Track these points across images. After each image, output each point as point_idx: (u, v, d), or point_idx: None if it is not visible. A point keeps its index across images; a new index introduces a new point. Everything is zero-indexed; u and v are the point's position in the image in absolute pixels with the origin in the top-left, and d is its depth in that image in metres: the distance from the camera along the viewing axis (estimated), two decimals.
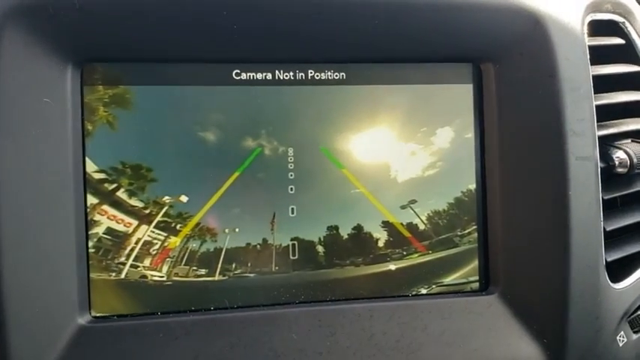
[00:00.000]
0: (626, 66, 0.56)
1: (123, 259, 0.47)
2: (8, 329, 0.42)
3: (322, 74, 0.49)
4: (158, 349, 0.45)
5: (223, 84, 0.48)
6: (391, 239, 0.50)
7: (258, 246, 0.48)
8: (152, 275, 0.47)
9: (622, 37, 0.56)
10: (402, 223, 0.50)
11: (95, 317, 0.46)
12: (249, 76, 0.48)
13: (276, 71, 0.48)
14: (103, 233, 0.46)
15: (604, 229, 0.51)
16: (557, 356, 0.49)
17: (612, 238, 0.53)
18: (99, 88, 0.46)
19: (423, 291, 0.51)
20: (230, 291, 0.48)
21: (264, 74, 0.48)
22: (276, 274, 0.49)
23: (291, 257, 0.49)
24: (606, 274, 0.51)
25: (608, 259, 0.51)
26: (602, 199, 0.51)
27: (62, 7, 0.44)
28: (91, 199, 0.46)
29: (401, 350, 0.47)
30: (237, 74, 0.48)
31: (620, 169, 0.52)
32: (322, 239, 0.49)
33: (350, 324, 0.48)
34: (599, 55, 0.53)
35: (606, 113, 0.53)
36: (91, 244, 0.46)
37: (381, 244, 0.50)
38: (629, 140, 0.54)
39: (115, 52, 0.46)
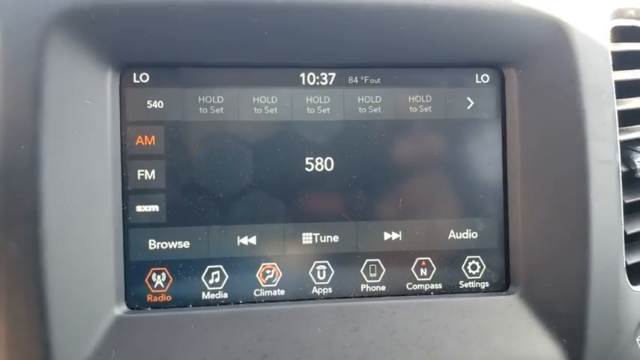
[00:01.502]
0: None
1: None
2: (51, 320, 0.45)
3: (363, 78, 0.51)
4: (190, 340, 0.47)
5: (254, 86, 0.50)
6: (412, 236, 0.52)
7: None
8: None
9: None
10: (423, 221, 0.52)
11: (131, 308, 0.48)
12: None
13: (323, 74, 0.51)
14: (139, 228, 0.49)
15: (625, 232, 0.52)
16: (577, 356, 0.50)
17: (633, 241, 0.54)
18: (137, 90, 0.49)
19: (445, 290, 0.52)
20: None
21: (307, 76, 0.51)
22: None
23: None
24: (626, 276, 0.52)
25: (629, 262, 0.52)
26: (624, 202, 0.52)
27: (103, 15, 0.46)
28: (129, 196, 0.48)
29: (422, 347, 0.49)
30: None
31: None
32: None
33: (373, 320, 0.50)
34: (621, 60, 0.54)
35: (628, 118, 0.54)
36: (128, 238, 0.48)
37: (402, 240, 0.51)
38: None
39: (152, 57, 0.48)
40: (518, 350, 0.50)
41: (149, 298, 0.49)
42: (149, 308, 0.49)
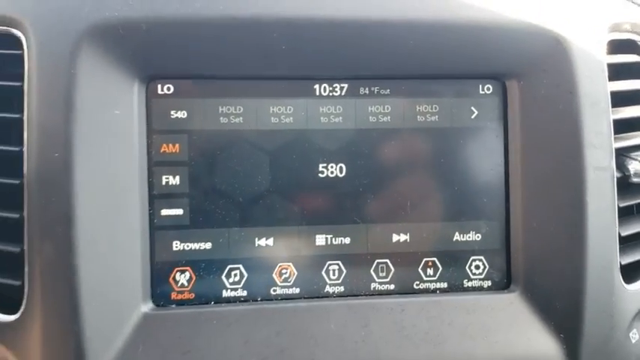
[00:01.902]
0: None
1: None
2: (83, 316, 0.48)
3: (373, 89, 0.54)
4: (212, 335, 0.50)
5: (271, 96, 0.53)
6: (420, 238, 0.55)
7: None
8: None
9: (639, 55, 0.60)
10: (430, 223, 0.55)
11: (157, 305, 0.51)
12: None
13: (336, 85, 0.54)
14: (164, 230, 0.52)
15: (619, 234, 0.55)
16: (573, 350, 0.53)
17: (627, 243, 0.57)
18: (162, 101, 0.52)
19: (450, 288, 0.55)
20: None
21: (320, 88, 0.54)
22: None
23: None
24: (621, 275, 0.55)
25: (623, 262, 0.55)
26: (618, 206, 0.55)
27: (131, 29, 0.49)
28: (155, 200, 0.52)
29: (429, 342, 0.52)
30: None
31: (635, 179, 0.56)
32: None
33: (383, 317, 0.53)
34: (617, 71, 0.57)
35: (623, 126, 0.57)
36: (153, 240, 0.52)
37: (410, 242, 0.55)
38: None
39: (175, 69, 0.51)
40: (519, 345, 0.53)
41: (173, 296, 0.52)
42: (174, 305, 0.52)
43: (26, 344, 0.48)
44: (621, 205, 0.56)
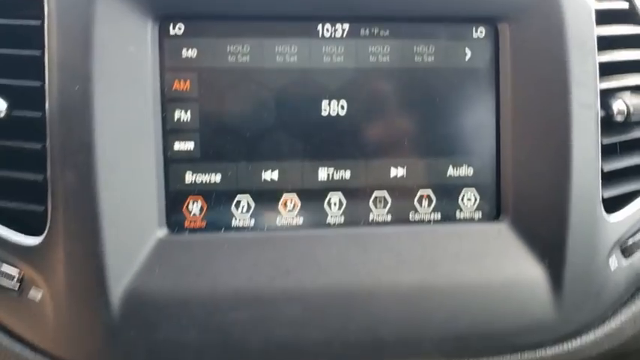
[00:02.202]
0: (629, 27, 0.63)
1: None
2: (104, 239, 0.51)
3: (373, 30, 0.57)
4: (224, 258, 0.54)
5: (276, 36, 0.56)
6: (416, 172, 0.59)
7: None
8: None
9: (626, 1, 0.63)
10: (426, 158, 0.59)
11: (171, 231, 0.55)
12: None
13: (338, 26, 0.57)
14: (177, 162, 0.55)
15: (602, 169, 0.59)
16: (557, 275, 0.57)
17: (610, 179, 0.61)
18: (174, 40, 0.55)
19: (444, 219, 0.59)
20: None
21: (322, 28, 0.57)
22: None
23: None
24: (602, 207, 0.59)
25: (605, 196, 0.59)
26: (602, 143, 0.59)
27: None
28: (168, 134, 0.55)
29: (423, 266, 0.56)
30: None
31: (618, 118, 0.59)
32: None
33: (380, 244, 0.57)
34: (604, 17, 0.60)
35: (609, 69, 0.61)
36: (167, 171, 0.55)
37: (407, 176, 0.58)
38: (629, 93, 0.61)
39: (186, 10, 0.54)
40: (507, 269, 0.57)
41: (187, 224, 0.56)
42: (187, 232, 0.56)
43: (51, 265, 0.52)
44: (605, 142, 0.59)
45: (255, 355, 0.54)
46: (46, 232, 0.52)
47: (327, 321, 0.54)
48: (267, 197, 0.57)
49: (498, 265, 0.57)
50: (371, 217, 0.59)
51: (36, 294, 0.52)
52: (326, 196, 0.58)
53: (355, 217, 0.58)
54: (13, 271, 0.52)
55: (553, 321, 0.58)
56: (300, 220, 0.58)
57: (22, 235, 0.52)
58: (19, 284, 0.52)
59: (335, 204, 0.58)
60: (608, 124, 0.60)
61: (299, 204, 0.58)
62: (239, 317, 0.53)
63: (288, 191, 0.57)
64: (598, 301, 0.60)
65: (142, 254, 0.53)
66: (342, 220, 0.58)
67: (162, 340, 0.53)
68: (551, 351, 0.59)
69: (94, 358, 0.53)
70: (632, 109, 0.59)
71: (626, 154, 0.62)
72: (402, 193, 0.59)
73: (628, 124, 0.61)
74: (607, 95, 0.60)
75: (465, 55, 0.59)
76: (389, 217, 0.59)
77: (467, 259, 0.57)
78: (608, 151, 0.60)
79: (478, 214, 0.60)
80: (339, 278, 0.55)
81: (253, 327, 0.54)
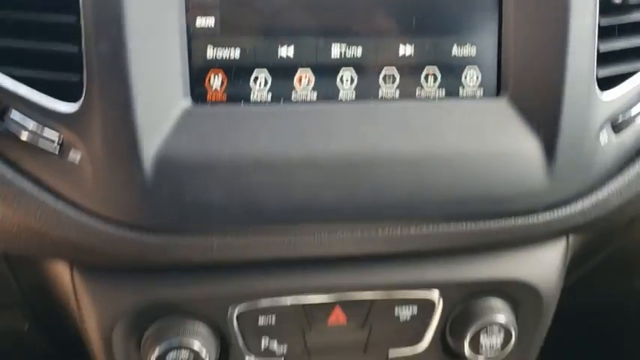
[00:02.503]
0: None
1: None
2: (136, 105, 0.56)
3: None
4: (244, 127, 0.59)
5: None
6: (423, 50, 0.62)
7: None
8: None
9: None
10: (433, 37, 0.62)
11: (195, 103, 0.60)
12: None
13: None
14: (199, 38, 0.59)
15: (598, 49, 0.62)
16: (550, 147, 0.62)
17: (606, 60, 0.64)
18: None
19: (448, 95, 0.64)
20: None
21: None
22: None
23: None
24: (597, 85, 0.63)
25: (600, 75, 0.63)
26: (599, 25, 0.62)
27: None
28: (190, 10, 0.58)
29: (428, 135, 0.61)
30: None
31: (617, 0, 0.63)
32: None
33: (389, 117, 0.61)
34: None
35: None
36: (190, 46, 0.59)
37: (414, 54, 0.62)
38: None
39: None
40: (505, 141, 0.62)
41: (209, 97, 0.60)
42: (209, 105, 0.60)
43: (88, 129, 0.56)
44: (603, 23, 0.63)
45: (274, 215, 0.60)
46: (82, 99, 0.57)
47: (339, 185, 0.60)
48: (283, 72, 0.61)
49: (497, 137, 0.62)
50: (380, 93, 0.63)
51: (75, 156, 0.57)
52: (338, 72, 0.62)
53: (366, 93, 0.63)
54: (54, 135, 0.57)
55: (545, 189, 0.63)
56: (314, 95, 0.62)
57: (62, 102, 0.57)
58: (59, 147, 0.57)
59: (347, 80, 0.62)
60: (607, 5, 0.63)
61: (313, 79, 0.62)
62: (259, 180, 0.59)
63: (302, 66, 0.61)
64: (587, 173, 0.65)
65: (170, 122, 0.58)
66: (353, 95, 0.63)
67: (191, 199, 0.58)
68: (542, 217, 0.65)
69: (129, 214, 0.59)
70: None
71: (623, 36, 0.65)
72: (410, 70, 0.63)
73: (626, 6, 0.64)
74: None
75: None
76: (397, 93, 0.63)
77: (468, 131, 0.62)
78: (605, 33, 0.64)
79: (480, 92, 0.64)
80: (350, 147, 0.60)
81: (272, 189, 0.59)
